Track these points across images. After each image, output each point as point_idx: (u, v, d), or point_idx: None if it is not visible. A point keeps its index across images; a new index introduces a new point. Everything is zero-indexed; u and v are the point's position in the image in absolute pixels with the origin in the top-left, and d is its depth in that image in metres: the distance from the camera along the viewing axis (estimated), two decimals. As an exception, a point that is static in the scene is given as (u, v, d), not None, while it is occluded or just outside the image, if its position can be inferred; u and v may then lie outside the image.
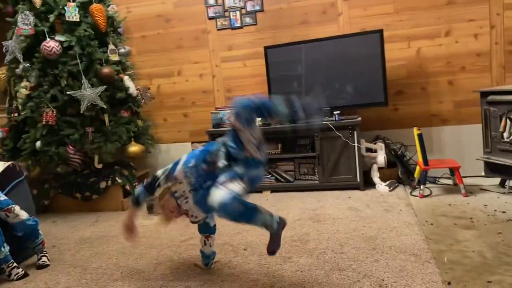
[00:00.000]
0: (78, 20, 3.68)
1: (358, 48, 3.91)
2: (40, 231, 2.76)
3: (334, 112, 3.88)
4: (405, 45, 4.07)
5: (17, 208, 2.56)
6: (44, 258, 2.75)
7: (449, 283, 2.00)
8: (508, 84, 3.80)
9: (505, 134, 3.24)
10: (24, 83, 3.72)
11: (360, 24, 4.13)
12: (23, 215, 2.59)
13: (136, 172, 4.23)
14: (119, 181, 3.90)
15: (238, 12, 4.44)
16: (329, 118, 3.90)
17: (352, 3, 4.15)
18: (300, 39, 4.19)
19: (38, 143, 3.62)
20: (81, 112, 3.63)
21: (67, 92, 3.58)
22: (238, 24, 4.46)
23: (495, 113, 3.32)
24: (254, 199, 3.98)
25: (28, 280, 2.51)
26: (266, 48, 4.19)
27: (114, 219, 3.65)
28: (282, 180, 4.10)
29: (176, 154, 4.78)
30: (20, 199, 2.84)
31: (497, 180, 3.56)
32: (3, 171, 2.74)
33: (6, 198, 2.57)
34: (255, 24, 4.42)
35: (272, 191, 4.08)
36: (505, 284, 1.96)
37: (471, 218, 2.87)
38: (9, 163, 2.86)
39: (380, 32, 3.83)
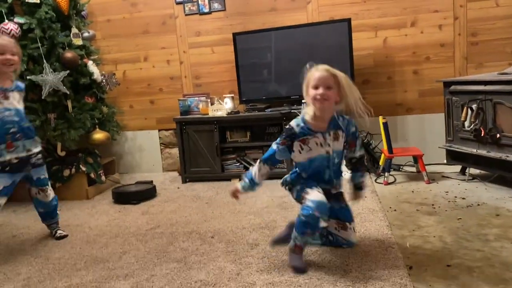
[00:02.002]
0: (38, 1, 3.52)
1: (326, 36, 3.93)
2: (58, 212, 2.94)
3: (303, 101, 3.89)
4: (372, 35, 4.12)
5: (49, 189, 2.80)
6: (60, 231, 2.90)
7: (410, 268, 2.06)
8: (470, 75, 3.91)
9: (466, 123, 3.35)
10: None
11: (329, 12, 4.14)
12: (51, 195, 2.82)
13: (101, 160, 4.13)
14: (84, 169, 3.79)
15: (206, -3, 4.36)
16: (297, 107, 3.91)
17: (321, -9, 4.16)
18: (269, 26, 4.17)
19: None
20: (43, 98, 3.49)
21: (28, 77, 3.43)
22: (206, 10, 4.39)
23: (457, 103, 3.42)
24: (222, 187, 3.99)
25: (-14, 271, 2.43)
26: (234, 34, 4.15)
27: (78, 207, 3.56)
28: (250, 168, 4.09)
29: (143, 141, 4.72)
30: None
31: (458, 168, 3.68)
32: None
33: (47, 177, 2.79)
34: (224, 10, 4.36)
35: (241, 179, 4.06)
36: (463, 267, 2.03)
37: (432, 205, 2.95)
38: None
39: (348, 21, 3.86)
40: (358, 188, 2.37)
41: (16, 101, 2.59)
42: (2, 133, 2.50)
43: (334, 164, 2.24)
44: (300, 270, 2.11)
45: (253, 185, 2.35)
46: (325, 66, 2.13)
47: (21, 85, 2.71)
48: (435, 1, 3.97)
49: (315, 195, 2.12)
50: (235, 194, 2.38)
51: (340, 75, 2.11)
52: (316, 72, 2.11)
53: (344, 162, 2.33)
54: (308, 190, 2.18)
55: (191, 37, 4.48)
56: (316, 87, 2.09)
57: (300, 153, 2.22)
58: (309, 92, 2.12)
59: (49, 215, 2.89)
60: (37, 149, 2.71)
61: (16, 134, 2.55)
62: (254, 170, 2.35)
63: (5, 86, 2.55)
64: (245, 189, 2.37)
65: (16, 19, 3.47)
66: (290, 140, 2.22)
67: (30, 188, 2.79)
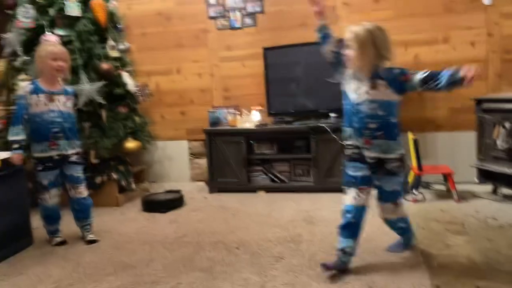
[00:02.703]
0: (78, 15, 3.69)
1: (356, 52, 3.93)
2: (92, 214, 3.07)
3: (331, 114, 3.90)
4: (402, 51, 4.10)
5: (82, 187, 2.95)
6: (91, 235, 3.00)
7: (438, 287, 2.03)
8: (503, 92, 3.83)
9: (499, 142, 3.28)
10: (23, 76, 3.72)
11: (359, 28, 4.15)
12: (84, 193, 2.98)
13: (132, 168, 4.24)
14: (115, 176, 3.90)
15: (238, 13, 4.46)
16: (325, 120, 3.92)
17: (352, 7, 4.18)
18: (299, 41, 4.22)
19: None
20: (79, 107, 3.63)
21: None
22: (238, 25, 4.48)
23: (490, 121, 3.36)
24: (248, 198, 4.02)
25: (20, 272, 2.52)
26: (265, 49, 4.21)
27: (108, 214, 3.66)
28: (277, 180, 4.12)
29: (172, 151, 4.82)
30: (17, 187, 2.91)
31: (489, 187, 3.59)
32: (10, 157, 2.80)
33: (81, 176, 2.95)
34: (255, 25, 4.44)
35: (267, 191, 4.10)
36: (493, 289, 1.99)
37: (462, 224, 2.90)
38: None
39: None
40: (453, 82, 2.13)
41: (61, 104, 2.82)
42: (46, 132, 2.76)
43: (368, 115, 2.18)
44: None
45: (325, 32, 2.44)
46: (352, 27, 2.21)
47: (69, 90, 2.96)
48: (468, 18, 3.93)
49: (347, 199, 2.27)
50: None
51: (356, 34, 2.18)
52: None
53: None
54: (346, 189, 2.29)
55: (222, 51, 4.57)
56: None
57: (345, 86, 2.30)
58: None
59: (82, 214, 3.02)
60: (76, 150, 2.94)
61: (59, 135, 2.79)
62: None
63: (52, 90, 2.80)
64: (321, 28, 2.45)
65: (57, 31, 3.63)
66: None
67: (65, 186, 2.97)
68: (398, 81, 2.21)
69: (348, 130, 2.28)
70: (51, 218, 2.98)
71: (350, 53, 2.19)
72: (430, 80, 2.18)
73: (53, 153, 2.81)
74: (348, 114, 2.27)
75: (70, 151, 2.88)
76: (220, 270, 2.38)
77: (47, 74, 2.79)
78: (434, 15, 4.00)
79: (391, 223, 2.42)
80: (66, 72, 2.87)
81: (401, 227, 2.43)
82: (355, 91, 2.23)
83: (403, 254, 2.44)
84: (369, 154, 2.21)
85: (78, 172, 2.95)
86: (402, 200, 2.38)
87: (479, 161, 3.50)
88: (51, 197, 2.89)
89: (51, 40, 3.51)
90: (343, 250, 2.23)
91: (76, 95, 3.05)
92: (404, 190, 3.70)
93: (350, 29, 2.21)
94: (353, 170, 2.27)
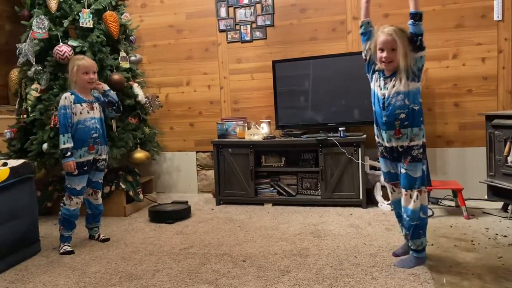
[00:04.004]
0: (91, 26, 3.75)
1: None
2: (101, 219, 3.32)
3: (340, 128, 3.90)
4: (412, 66, 4.09)
5: (100, 194, 3.21)
6: (102, 235, 3.25)
7: (446, 305, 2.00)
8: (514, 109, 3.81)
9: (509, 158, 3.24)
10: (35, 86, 3.79)
11: (369, 43, 4.16)
12: (100, 200, 3.22)
13: (140, 179, 4.25)
14: (123, 186, 3.92)
15: (248, 26, 4.50)
16: (334, 134, 3.92)
17: (361, 22, 4.20)
18: (309, 55, 4.24)
19: (45, 145, 3.66)
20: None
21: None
22: (248, 38, 4.52)
23: (500, 137, 3.33)
24: (254, 210, 4.01)
25: (27, 281, 2.53)
26: (274, 62, 4.24)
27: (115, 224, 3.67)
28: (284, 193, 4.10)
29: (180, 162, 4.84)
30: (26, 195, 2.93)
31: (499, 204, 3.55)
32: (20, 164, 2.92)
33: (102, 183, 3.21)
34: (265, 39, 4.48)
35: (274, 204, 4.08)
36: (503, 308, 1.95)
37: (472, 241, 2.86)
38: (25, 160, 3.07)
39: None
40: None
41: (98, 111, 3.09)
42: (87, 137, 2.98)
43: (389, 108, 2.38)
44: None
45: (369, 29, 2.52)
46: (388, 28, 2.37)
47: (98, 96, 3.15)
48: (479, 34, 3.93)
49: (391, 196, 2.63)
50: None
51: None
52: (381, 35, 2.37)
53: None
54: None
55: (232, 63, 4.61)
56: (381, 50, 2.37)
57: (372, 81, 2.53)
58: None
59: (94, 218, 3.26)
60: (106, 155, 3.18)
61: (97, 139, 3.03)
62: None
63: (89, 99, 3.04)
64: (365, 24, 2.52)
65: (70, 42, 3.69)
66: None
67: (85, 189, 3.11)
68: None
69: (375, 129, 2.54)
70: (70, 224, 3.05)
71: (390, 54, 2.33)
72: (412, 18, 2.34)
73: (90, 157, 3.02)
74: (378, 112, 2.46)
75: (104, 156, 3.13)
76: (226, 283, 2.36)
77: (81, 85, 3.01)
78: (445, 31, 4.00)
79: (408, 217, 2.43)
80: (96, 83, 3.08)
81: (416, 224, 2.41)
82: (382, 88, 2.42)
83: (411, 270, 2.40)
84: (397, 143, 2.41)
85: (101, 178, 3.20)
86: (425, 189, 2.46)
87: (489, 178, 3.46)
88: (79, 203, 3.03)
89: (62, 51, 3.56)
90: (405, 236, 2.59)
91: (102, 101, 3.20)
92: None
93: (387, 31, 2.34)
94: (384, 167, 2.58)
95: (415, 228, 2.42)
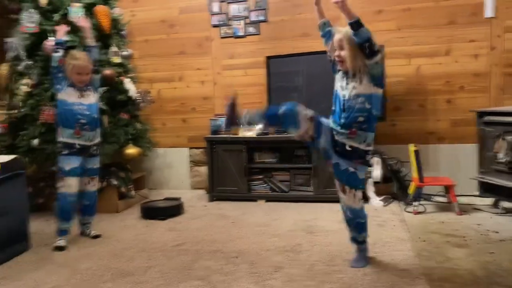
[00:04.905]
0: (82, 20, 3.70)
1: (358, 62, 3.93)
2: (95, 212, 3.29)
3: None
4: (405, 62, 4.11)
5: (97, 180, 3.23)
6: (93, 231, 3.22)
7: (438, 300, 2.01)
8: (505, 106, 3.83)
9: (500, 155, 3.27)
10: (26, 81, 3.73)
11: (362, 39, 4.16)
12: (97, 186, 3.23)
13: (132, 175, 4.22)
14: (115, 183, 3.89)
15: (242, 22, 4.48)
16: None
17: (355, 18, 4.19)
18: (301, 51, 4.23)
19: (35, 141, 3.62)
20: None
21: (68, 92, 3.59)
22: (241, 33, 4.50)
23: (491, 134, 3.35)
24: (248, 207, 4.00)
25: (17, 277, 2.51)
26: (268, 58, 4.22)
27: (107, 220, 3.64)
28: (277, 190, 4.10)
29: (173, 158, 4.81)
30: (16, 191, 2.91)
31: (490, 200, 3.58)
32: (10, 160, 2.89)
33: (99, 167, 3.20)
34: (258, 34, 4.45)
35: (267, 201, 4.08)
36: (494, 303, 1.96)
37: (463, 237, 2.87)
38: (16, 155, 3.04)
39: (381, 48, 3.86)
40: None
41: (91, 98, 3.08)
42: (72, 120, 2.98)
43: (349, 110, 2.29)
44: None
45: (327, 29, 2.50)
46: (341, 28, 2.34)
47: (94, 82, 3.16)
48: (471, 31, 3.94)
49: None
50: None
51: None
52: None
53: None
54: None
55: (225, 59, 4.59)
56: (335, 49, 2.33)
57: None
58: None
59: (89, 210, 3.23)
60: (98, 140, 3.15)
61: (85, 126, 3.01)
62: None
63: (82, 87, 3.05)
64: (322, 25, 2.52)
65: (61, 37, 3.64)
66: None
67: (82, 179, 3.11)
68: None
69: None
70: (67, 213, 3.01)
71: (342, 53, 2.28)
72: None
73: (77, 142, 3.01)
74: (337, 112, 2.36)
75: (95, 141, 3.11)
76: (219, 279, 2.36)
77: (74, 81, 3.03)
78: (437, 27, 4.01)
79: (353, 215, 2.45)
80: (88, 81, 3.09)
81: (361, 222, 2.46)
82: (343, 88, 2.33)
83: (403, 266, 2.41)
84: (346, 142, 2.32)
85: (96, 164, 3.19)
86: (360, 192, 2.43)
87: (480, 174, 3.48)
88: (71, 186, 3.00)
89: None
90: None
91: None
92: (405, 201, 3.71)
93: (339, 30, 2.31)
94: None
95: (363, 224, 2.46)
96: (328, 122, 2.41)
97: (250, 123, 2.57)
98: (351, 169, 2.33)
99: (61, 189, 3.00)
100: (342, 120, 2.30)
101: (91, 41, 3.16)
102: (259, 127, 2.35)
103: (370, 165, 2.37)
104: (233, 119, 2.46)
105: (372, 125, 2.32)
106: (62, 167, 2.99)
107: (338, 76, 2.40)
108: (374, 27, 4.11)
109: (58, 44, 3.05)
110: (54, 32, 3.61)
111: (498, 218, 3.26)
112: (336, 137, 2.34)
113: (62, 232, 3.03)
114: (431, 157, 4.11)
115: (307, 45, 4.29)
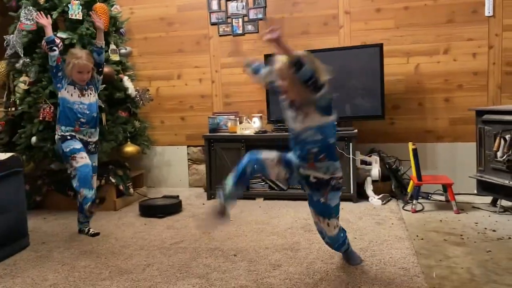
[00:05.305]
0: (80, 18, 3.69)
1: (358, 61, 3.94)
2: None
3: (331, 123, 3.89)
4: (404, 61, 4.11)
5: (95, 177, 3.21)
6: (92, 229, 3.21)
7: (436, 298, 2.01)
8: (504, 104, 3.84)
9: (499, 154, 3.27)
10: (23, 78, 3.73)
11: (361, 37, 4.17)
12: (95, 184, 3.19)
13: (130, 173, 4.22)
14: (113, 180, 3.89)
15: (240, 19, 4.47)
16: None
17: (353, 16, 4.20)
18: (300, 49, 4.20)
19: (33, 139, 3.62)
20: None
21: (66, 89, 3.58)
22: (240, 31, 4.49)
23: (490, 132, 3.35)
24: (246, 205, 4.00)
25: (15, 275, 2.50)
26: (266, 56, 4.21)
27: (106, 218, 3.63)
28: (276, 188, 4.10)
29: (171, 156, 4.81)
30: (14, 189, 2.89)
31: (489, 199, 3.58)
32: (8, 158, 2.88)
33: (97, 166, 3.25)
34: (257, 32, 4.45)
35: (265, 199, 4.08)
36: (491, 301, 1.97)
37: (461, 235, 2.88)
38: (13, 153, 3.03)
39: (380, 46, 3.87)
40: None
41: (91, 96, 3.14)
42: (73, 119, 3.05)
43: (301, 143, 2.18)
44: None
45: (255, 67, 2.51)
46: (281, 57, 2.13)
47: (96, 82, 3.21)
48: (470, 30, 3.94)
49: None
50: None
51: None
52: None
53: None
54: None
55: (223, 57, 4.58)
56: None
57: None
58: None
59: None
60: (96, 138, 3.22)
61: (84, 124, 3.08)
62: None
63: (83, 85, 3.10)
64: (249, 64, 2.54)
65: (59, 34, 3.63)
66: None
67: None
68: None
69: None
70: (88, 181, 2.96)
71: (284, 84, 2.12)
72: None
73: (77, 136, 3.08)
74: (292, 144, 2.26)
75: (93, 139, 3.18)
76: (217, 277, 2.36)
77: (74, 79, 3.08)
78: (436, 26, 4.01)
79: (332, 241, 2.39)
80: (88, 80, 3.13)
81: (340, 244, 2.41)
82: (294, 120, 2.18)
83: (402, 264, 2.42)
84: (310, 173, 2.21)
85: (95, 161, 3.22)
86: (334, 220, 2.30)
87: (479, 172, 3.49)
88: (84, 157, 3.01)
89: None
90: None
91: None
92: (403, 199, 3.72)
93: (279, 59, 2.12)
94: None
95: (341, 244, 2.41)
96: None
97: (227, 198, 2.41)
98: (322, 200, 2.22)
99: (76, 164, 2.97)
100: (298, 152, 2.20)
101: (101, 43, 3.16)
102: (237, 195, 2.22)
103: (339, 189, 2.24)
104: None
105: (331, 153, 2.18)
106: (69, 148, 3.01)
107: (286, 106, 2.23)
108: (373, 25, 4.14)
109: (49, 42, 3.04)
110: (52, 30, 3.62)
111: (496, 217, 3.27)
112: (300, 170, 2.23)
113: (86, 200, 2.95)
114: (429, 155, 4.11)
115: (306, 43, 4.28)
